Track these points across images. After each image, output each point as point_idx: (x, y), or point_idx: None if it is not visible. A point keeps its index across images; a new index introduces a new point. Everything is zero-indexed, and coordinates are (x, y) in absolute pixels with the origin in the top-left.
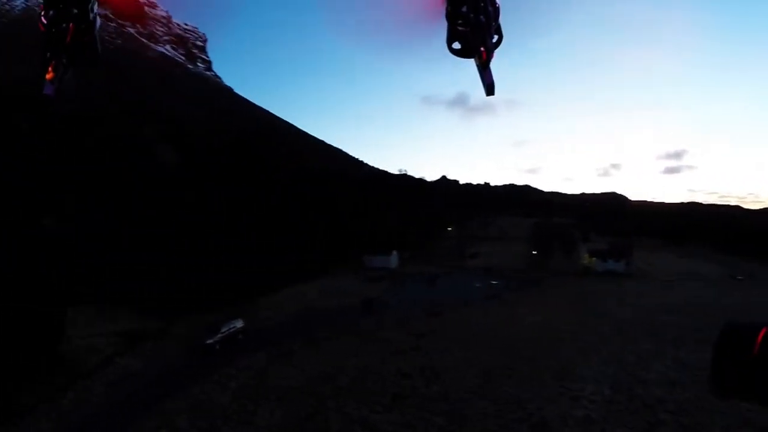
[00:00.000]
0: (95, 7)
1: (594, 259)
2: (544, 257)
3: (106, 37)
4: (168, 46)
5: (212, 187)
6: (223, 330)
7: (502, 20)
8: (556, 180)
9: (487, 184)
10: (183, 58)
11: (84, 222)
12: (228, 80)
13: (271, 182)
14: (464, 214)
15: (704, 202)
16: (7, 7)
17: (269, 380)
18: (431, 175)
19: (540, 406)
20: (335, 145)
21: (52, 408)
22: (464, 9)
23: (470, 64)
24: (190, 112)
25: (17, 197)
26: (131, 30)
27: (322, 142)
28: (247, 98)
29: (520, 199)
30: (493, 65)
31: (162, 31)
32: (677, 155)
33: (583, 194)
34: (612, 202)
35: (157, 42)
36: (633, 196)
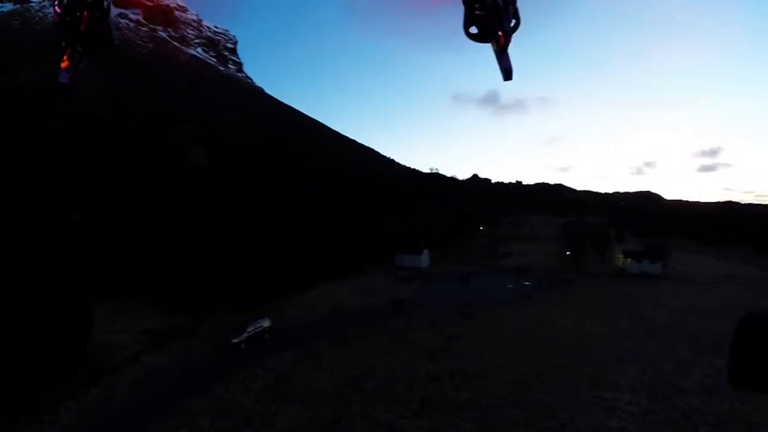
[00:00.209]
0: None
1: (629, 260)
2: (576, 257)
3: (138, 42)
4: (199, 49)
5: (242, 187)
6: (249, 329)
7: (520, 4)
8: (589, 178)
9: (519, 183)
10: (214, 60)
11: (113, 220)
12: (259, 81)
13: (300, 182)
14: (496, 213)
15: (741, 202)
16: (41, 14)
17: (295, 381)
18: (462, 174)
19: (573, 416)
20: (366, 144)
21: (75, 404)
22: None
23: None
24: (222, 114)
25: (47, 195)
26: (163, 34)
27: (353, 141)
28: (278, 99)
29: (552, 197)
30: (511, 50)
31: (193, 35)
32: (712, 153)
33: (616, 193)
34: (647, 201)
35: (188, 45)
36: (667, 195)
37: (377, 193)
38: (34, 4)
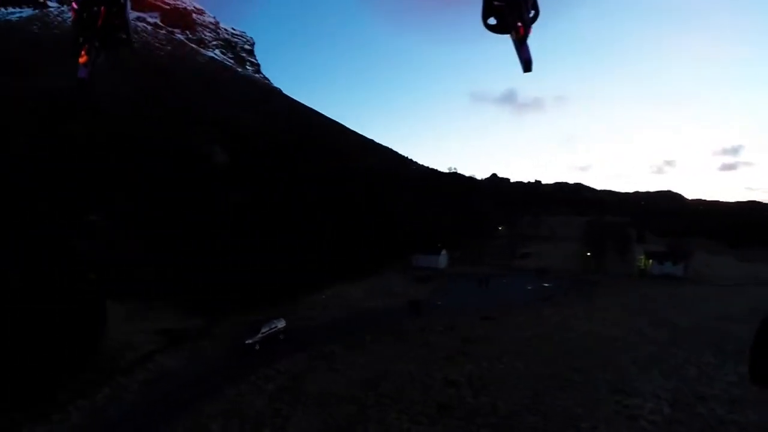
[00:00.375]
0: None
1: (650, 261)
2: (597, 258)
3: (156, 44)
4: (217, 51)
5: (259, 187)
6: (263, 330)
7: None
8: (608, 177)
9: (538, 182)
10: (232, 62)
11: (130, 220)
12: (277, 82)
13: (316, 181)
14: (514, 213)
15: (763, 201)
16: (59, 19)
17: (308, 384)
18: (481, 173)
19: (594, 425)
20: (384, 143)
21: (86, 404)
22: None
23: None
24: (240, 115)
25: (66, 196)
26: (180, 36)
27: (372, 141)
28: (296, 99)
29: (571, 197)
30: (530, 41)
31: (210, 37)
32: (734, 151)
33: (636, 192)
34: (668, 200)
35: (206, 47)
36: (688, 194)
37: (395, 193)
38: (52, 9)
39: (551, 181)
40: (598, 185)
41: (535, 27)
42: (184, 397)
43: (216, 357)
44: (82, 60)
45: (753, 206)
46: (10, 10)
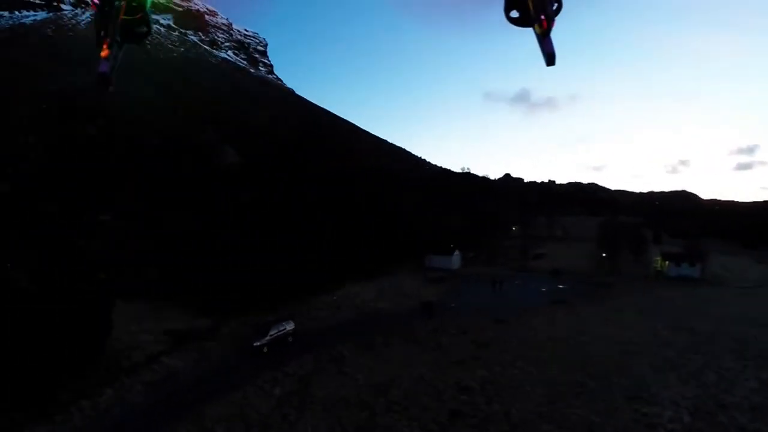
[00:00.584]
0: None
1: (667, 262)
2: (611, 259)
3: (169, 46)
4: (230, 52)
5: (271, 187)
6: (272, 332)
7: None
8: (623, 177)
9: (551, 182)
10: (245, 63)
11: (141, 220)
12: (290, 83)
13: (329, 182)
14: (528, 214)
15: None
16: (74, 21)
17: (316, 388)
18: (494, 173)
19: None
20: (397, 143)
21: (89, 404)
22: None
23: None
24: (254, 116)
25: (75, 196)
26: (193, 38)
27: (384, 141)
28: (309, 100)
29: (585, 197)
30: (553, 35)
31: (223, 38)
32: (749, 150)
33: (651, 192)
34: (682, 200)
35: (219, 48)
36: (704, 194)
37: (408, 194)
38: (66, 12)
39: (565, 181)
40: (612, 185)
41: (558, 20)
42: (189, 399)
43: (223, 359)
44: (103, 54)
45: None
46: (24, 13)
